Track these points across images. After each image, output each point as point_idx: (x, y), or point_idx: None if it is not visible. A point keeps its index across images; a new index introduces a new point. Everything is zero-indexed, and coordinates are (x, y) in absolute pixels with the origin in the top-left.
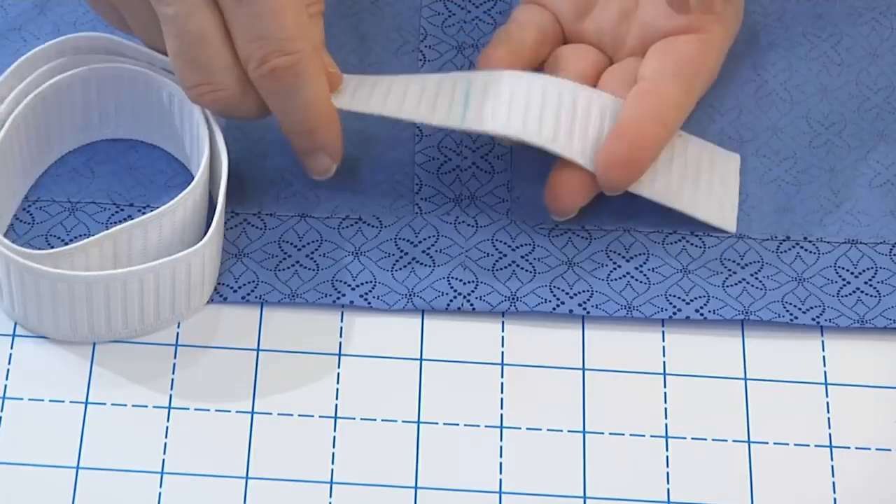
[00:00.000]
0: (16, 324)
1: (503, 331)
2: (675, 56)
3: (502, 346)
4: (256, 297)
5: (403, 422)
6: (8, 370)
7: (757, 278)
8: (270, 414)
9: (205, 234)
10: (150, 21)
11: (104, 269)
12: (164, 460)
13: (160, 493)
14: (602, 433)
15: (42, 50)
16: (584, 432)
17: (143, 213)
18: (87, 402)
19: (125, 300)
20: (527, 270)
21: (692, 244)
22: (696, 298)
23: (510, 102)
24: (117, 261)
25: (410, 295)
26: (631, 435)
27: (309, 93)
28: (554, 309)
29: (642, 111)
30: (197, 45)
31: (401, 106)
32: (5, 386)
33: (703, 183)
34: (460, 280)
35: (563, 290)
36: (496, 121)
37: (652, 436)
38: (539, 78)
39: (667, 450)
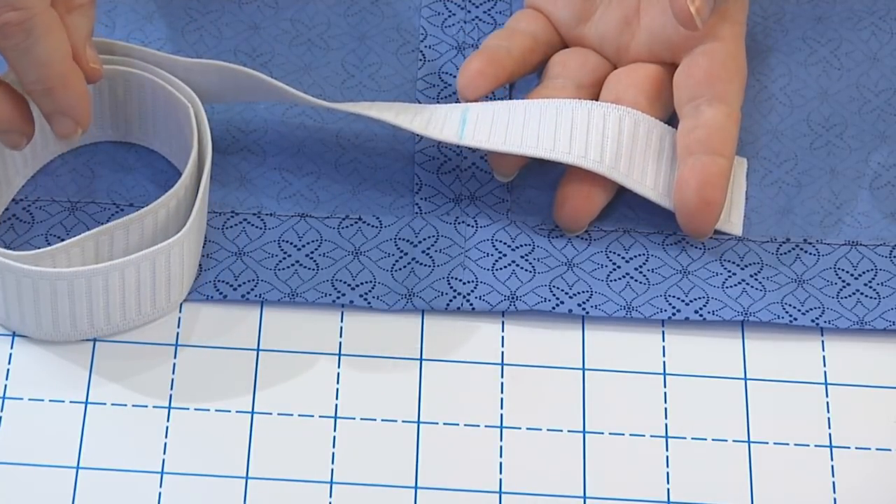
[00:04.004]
0: None
1: (503, 331)
2: (702, 78)
3: (502, 346)
4: (256, 296)
5: (403, 422)
6: (8, 370)
7: (757, 279)
8: (270, 414)
9: None
10: None
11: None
12: (164, 460)
13: (160, 493)
14: (602, 433)
15: None
16: (584, 432)
17: None
18: (87, 402)
19: (107, 295)
20: (526, 270)
21: (692, 245)
22: (695, 299)
23: (508, 122)
24: (99, 261)
25: (410, 295)
26: (631, 435)
27: (42, 51)
28: (553, 308)
29: (695, 150)
30: None
31: (396, 118)
32: (5, 386)
33: None
34: (460, 280)
35: (562, 290)
36: (494, 138)
37: (652, 436)
38: (529, 101)
39: (667, 450)
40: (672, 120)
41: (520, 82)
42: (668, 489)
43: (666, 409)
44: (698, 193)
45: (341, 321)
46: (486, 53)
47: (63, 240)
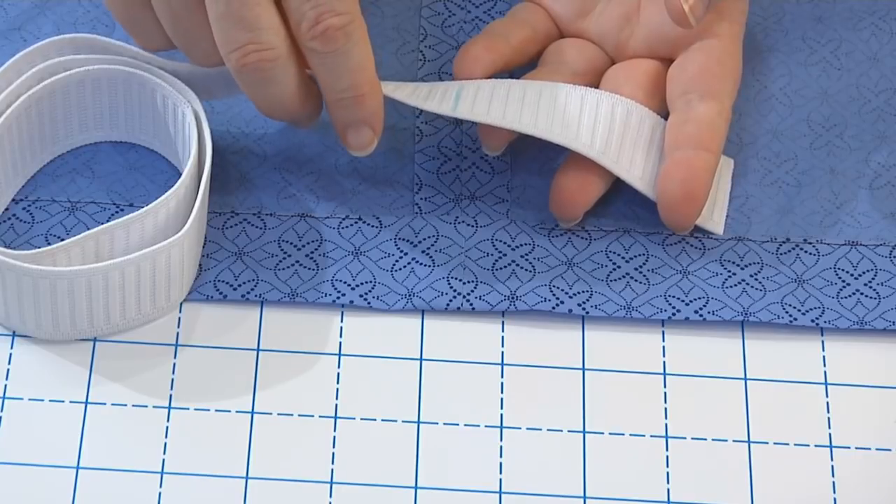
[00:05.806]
0: None
1: (503, 331)
2: (696, 73)
3: (502, 346)
4: (256, 296)
5: (403, 422)
6: (8, 370)
7: (756, 279)
8: (270, 414)
9: None
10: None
11: None
12: (164, 460)
13: (160, 493)
14: (602, 433)
15: (36, 49)
16: (584, 432)
17: None
18: (87, 402)
19: (107, 294)
20: (526, 270)
21: (692, 245)
22: (695, 299)
23: (506, 99)
24: (99, 261)
25: (410, 295)
26: (631, 435)
27: (359, 55)
28: (553, 308)
29: (683, 144)
30: (247, 4)
31: (393, 93)
32: (5, 386)
33: None
34: (460, 280)
35: (562, 290)
36: (492, 113)
37: (652, 436)
38: (525, 80)
39: (667, 450)
40: (667, 115)
41: (516, 71)
42: (668, 489)
43: (666, 409)
44: (682, 186)
45: (341, 321)
46: (485, 39)
47: (63, 240)
